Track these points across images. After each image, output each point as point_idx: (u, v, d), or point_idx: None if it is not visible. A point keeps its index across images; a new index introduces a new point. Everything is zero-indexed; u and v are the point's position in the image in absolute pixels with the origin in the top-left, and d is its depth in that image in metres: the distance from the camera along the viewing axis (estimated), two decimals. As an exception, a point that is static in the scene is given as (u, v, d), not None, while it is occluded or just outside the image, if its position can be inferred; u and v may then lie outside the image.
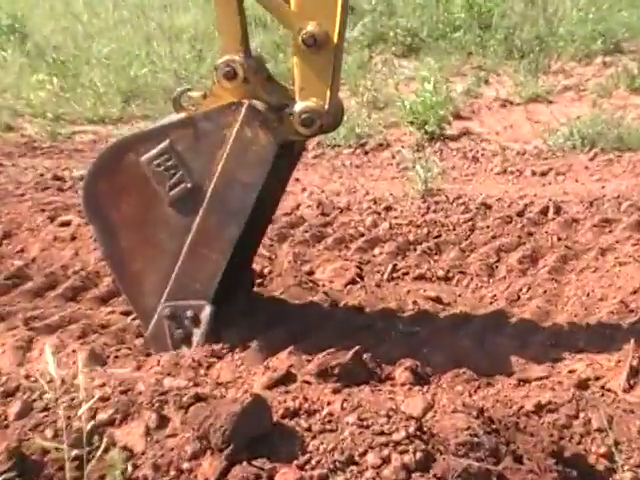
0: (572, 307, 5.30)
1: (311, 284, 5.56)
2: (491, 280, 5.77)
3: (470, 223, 6.62)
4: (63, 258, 6.09)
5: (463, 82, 11.68)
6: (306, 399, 3.60)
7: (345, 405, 3.55)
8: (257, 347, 4.40)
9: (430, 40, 13.12)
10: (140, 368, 4.26)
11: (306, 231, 6.56)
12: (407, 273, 5.88)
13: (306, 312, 5.09)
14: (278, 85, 4.59)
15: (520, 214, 6.86)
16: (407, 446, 3.17)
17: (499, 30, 12.82)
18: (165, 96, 11.24)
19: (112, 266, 4.61)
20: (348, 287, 5.62)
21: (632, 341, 4.52)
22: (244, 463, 3.07)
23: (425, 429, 3.35)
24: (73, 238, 6.36)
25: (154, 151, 4.34)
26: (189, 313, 4.38)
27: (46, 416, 3.34)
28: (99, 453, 3.00)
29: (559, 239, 6.32)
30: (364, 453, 3.15)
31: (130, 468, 3.10)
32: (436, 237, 6.42)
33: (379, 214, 6.98)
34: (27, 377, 3.69)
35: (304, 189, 8.11)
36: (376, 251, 6.20)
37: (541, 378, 4.23)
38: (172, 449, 3.16)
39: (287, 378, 4.01)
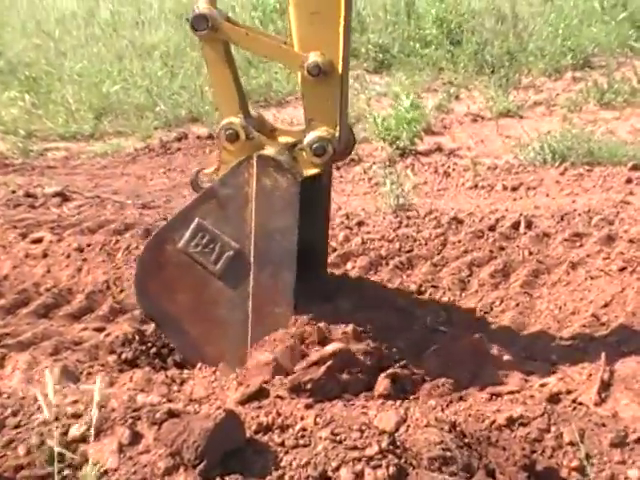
0: (544, 321, 5.35)
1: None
2: (463, 294, 5.79)
3: (442, 238, 6.64)
4: (35, 275, 6.04)
5: (434, 97, 11.77)
6: (279, 414, 3.61)
7: (318, 420, 3.56)
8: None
9: (401, 56, 13.22)
10: (113, 384, 4.25)
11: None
12: (380, 287, 5.89)
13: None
14: (284, 131, 4.64)
15: (492, 228, 6.89)
16: (380, 461, 3.19)
17: (470, 46, 12.93)
18: (137, 113, 11.26)
19: (188, 356, 4.60)
20: (321, 302, 5.63)
21: (603, 354, 4.56)
22: (217, 479, 3.07)
23: (398, 443, 3.37)
24: (45, 255, 6.32)
25: (187, 235, 4.38)
26: None
27: (19, 433, 3.32)
28: (72, 470, 3.00)
29: (530, 253, 6.35)
30: (337, 468, 3.16)
31: (103, 485, 3.10)
32: (408, 252, 6.44)
33: (351, 229, 6.99)
34: (-1, 394, 3.67)
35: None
36: (349, 266, 6.22)
37: (513, 392, 4.24)
38: (145, 465, 3.15)
39: (260, 393, 4.01)
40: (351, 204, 8.09)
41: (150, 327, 4.88)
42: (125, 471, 3.14)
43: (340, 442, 3.35)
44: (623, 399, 4.15)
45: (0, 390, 3.77)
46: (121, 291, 5.76)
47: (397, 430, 3.57)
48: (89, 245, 6.43)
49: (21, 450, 3.23)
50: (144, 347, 4.73)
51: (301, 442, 3.38)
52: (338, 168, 9.53)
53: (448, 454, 3.35)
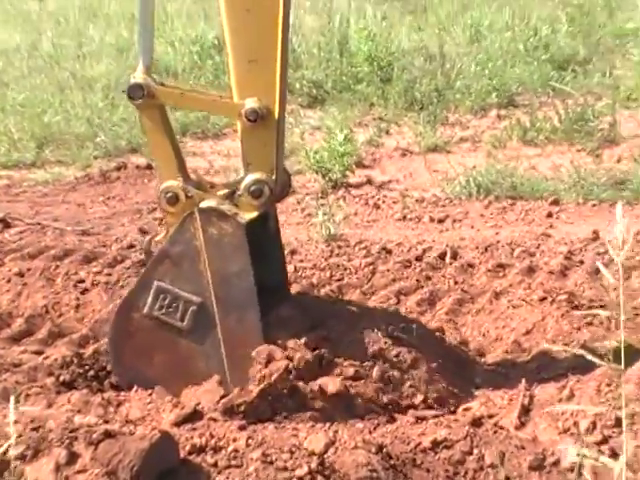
0: (468, 347, 5.52)
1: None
2: (391, 322, 5.92)
3: (371, 267, 6.77)
4: (-25, 300, 6.04)
5: (365, 132, 11.94)
6: (212, 436, 3.70)
7: (250, 442, 3.66)
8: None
9: (334, 92, 13.39)
10: (51, 406, 4.28)
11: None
12: (310, 315, 5.99)
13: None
14: (222, 185, 4.71)
15: (419, 258, 7.03)
16: (309, 481, 3.30)
17: (400, 83, 13.13)
18: (78, 143, 11.26)
19: None
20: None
21: (524, 380, 4.73)
22: (152, 497, 3.16)
23: (327, 465, 3.48)
24: (-16, 281, 6.31)
25: (149, 299, 4.45)
26: None
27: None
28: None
29: (456, 282, 6.50)
30: (269, 488, 3.26)
31: (40, 504, 3.15)
32: (339, 280, 6.56)
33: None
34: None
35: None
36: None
37: (437, 416, 4.38)
38: (82, 485, 3.22)
39: (194, 415, 4.10)
40: (284, 234, 8.16)
41: (88, 350, 4.93)
42: (62, 490, 3.20)
43: (271, 463, 3.46)
44: (542, 423, 4.29)
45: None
46: (60, 315, 5.78)
47: (326, 452, 3.67)
48: (29, 270, 6.44)
49: (-41, 470, 3.27)
50: (82, 370, 4.78)
51: (233, 463, 3.47)
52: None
53: (374, 475, 3.47)
